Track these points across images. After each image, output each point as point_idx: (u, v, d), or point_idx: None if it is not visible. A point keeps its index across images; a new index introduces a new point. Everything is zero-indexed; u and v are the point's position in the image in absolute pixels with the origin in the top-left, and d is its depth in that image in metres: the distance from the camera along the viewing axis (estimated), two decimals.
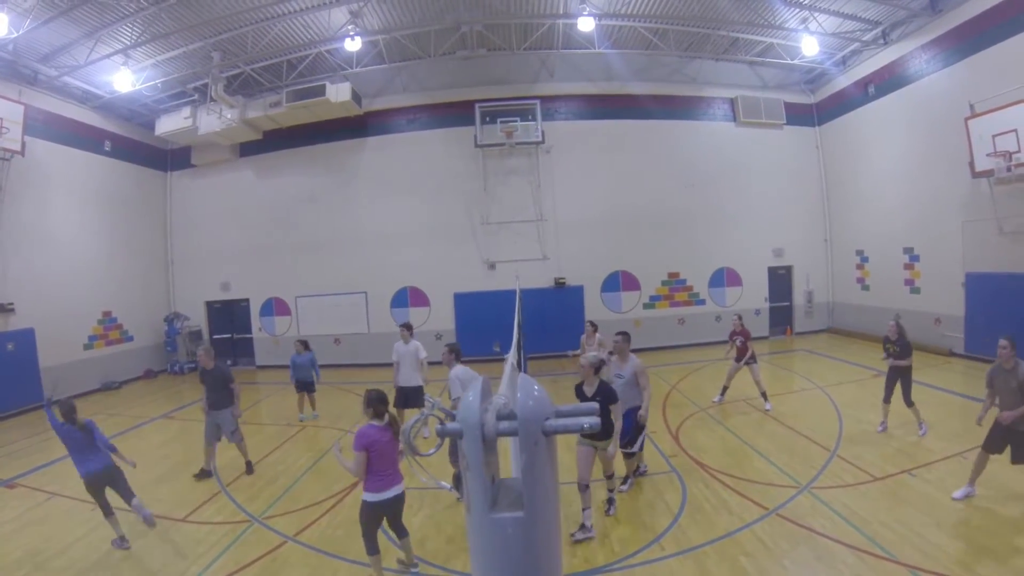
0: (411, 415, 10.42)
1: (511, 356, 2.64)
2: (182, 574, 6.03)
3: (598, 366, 6.54)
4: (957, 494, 6.57)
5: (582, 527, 6.34)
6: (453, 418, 0.98)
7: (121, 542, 6.53)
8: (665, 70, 18.47)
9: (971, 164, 13.03)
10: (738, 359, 11.01)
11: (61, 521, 7.50)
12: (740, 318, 11.36)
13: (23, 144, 13.90)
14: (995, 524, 5.99)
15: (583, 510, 6.42)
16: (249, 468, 9.19)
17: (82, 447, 6.50)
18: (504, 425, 0.94)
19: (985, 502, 6.45)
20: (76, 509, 7.84)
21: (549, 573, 0.96)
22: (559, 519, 0.98)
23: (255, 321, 19.77)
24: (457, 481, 1.32)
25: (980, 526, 5.97)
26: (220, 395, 9.19)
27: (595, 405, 1.06)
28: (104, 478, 6.47)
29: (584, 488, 6.42)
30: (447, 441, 1.04)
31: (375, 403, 5.38)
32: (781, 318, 19.52)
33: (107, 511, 6.49)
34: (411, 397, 10.05)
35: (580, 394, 6.56)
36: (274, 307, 19.61)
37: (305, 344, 12.50)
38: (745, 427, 10.07)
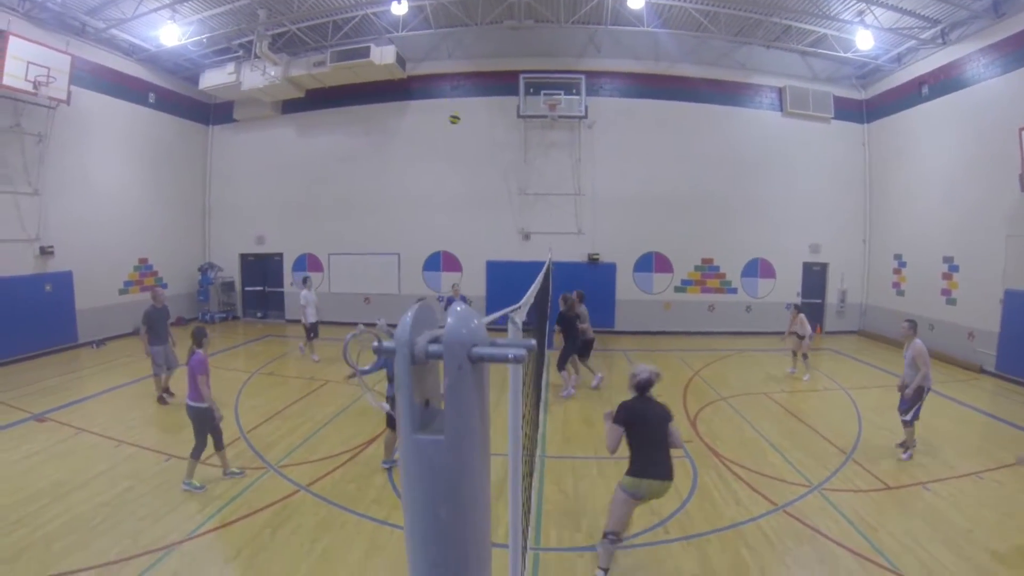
0: None
1: (518, 316, 2.64)
2: (197, 513, 6.25)
3: (645, 385, 5.18)
4: None
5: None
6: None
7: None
8: (714, 53, 18.07)
9: (1021, 177, 12.54)
10: None
11: (85, 456, 7.79)
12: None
13: (69, 93, 14.13)
14: (1005, 549, 5.87)
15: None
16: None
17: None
18: (433, 348, 0.97)
19: (998, 528, 6.32)
20: (101, 445, 8.19)
21: (471, 498, 0.98)
22: (486, 448, 1.00)
23: (287, 276, 20.10)
24: (391, 402, 1.38)
25: (989, 549, 5.85)
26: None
27: (532, 341, 1.07)
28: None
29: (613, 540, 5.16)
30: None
31: None
32: (812, 315, 18.95)
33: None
34: None
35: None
36: (307, 263, 19.90)
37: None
38: (763, 420, 10.00)
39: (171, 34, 15.45)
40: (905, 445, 8.34)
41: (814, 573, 5.50)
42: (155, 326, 10.65)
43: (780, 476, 7.63)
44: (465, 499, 0.97)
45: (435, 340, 0.97)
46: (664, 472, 5.04)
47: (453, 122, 15.78)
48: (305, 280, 14.84)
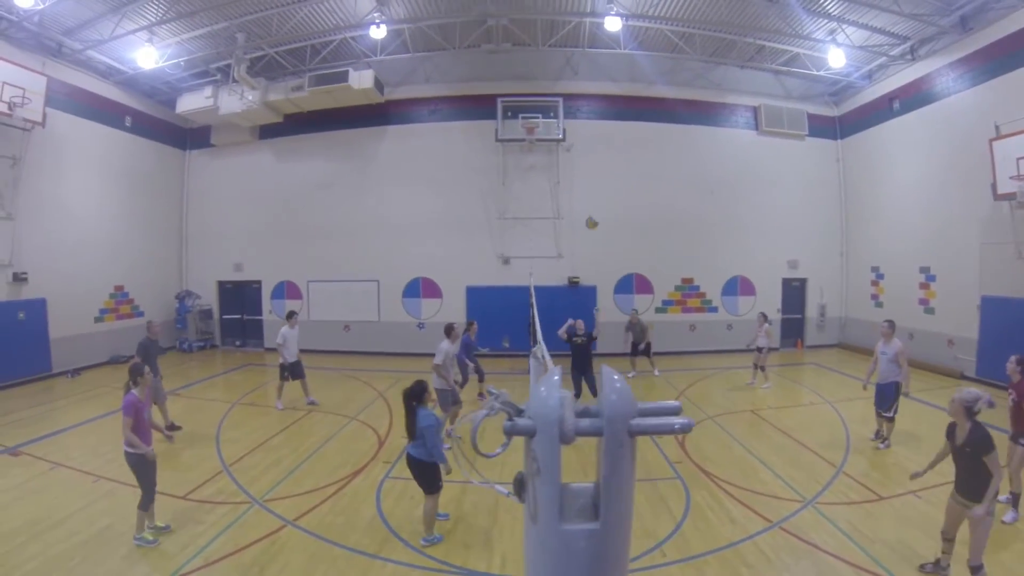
0: None
1: (540, 350, 2.51)
2: (180, 551, 6.03)
3: (973, 406, 5.09)
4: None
5: (936, 563, 5.54)
6: (521, 413, 0.90)
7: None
8: (689, 74, 18.33)
9: (993, 186, 12.85)
10: (1016, 434, 6.82)
11: (62, 492, 7.52)
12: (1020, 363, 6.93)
13: (44, 115, 13.94)
14: (1000, 552, 5.90)
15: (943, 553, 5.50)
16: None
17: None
18: (585, 423, 0.86)
19: (993, 532, 6.36)
20: (77, 480, 7.91)
21: None
22: (631, 530, 0.90)
23: (266, 303, 19.83)
24: (520, 485, 1.18)
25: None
26: None
27: (678, 404, 0.95)
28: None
29: (947, 540, 5.50)
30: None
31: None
32: (792, 330, 19.37)
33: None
34: None
35: (950, 436, 5.34)
36: (286, 290, 19.65)
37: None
38: (752, 438, 9.98)
39: (148, 57, 15.28)
40: (882, 436, 9.35)
41: None
42: (150, 358, 10.26)
43: (772, 493, 7.59)
44: None
45: (584, 414, 0.87)
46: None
47: (591, 226, 15.57)
48: (290, 315, 12.63)
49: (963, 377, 14.05)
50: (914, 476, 5.85)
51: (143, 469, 6.23)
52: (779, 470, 8.37)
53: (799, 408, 12.15)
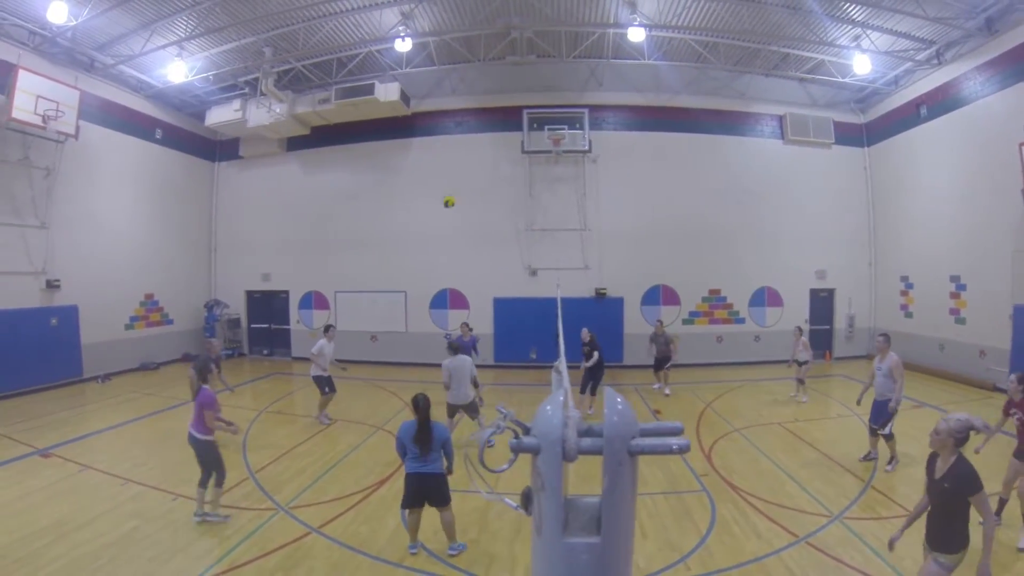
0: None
1: (561, 364, 2.49)
2: (205, 555, 6.09)
3: (963, 437, 4.22)
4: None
5: None
6: (527, 431, 0.92)
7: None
8: (714, 84, 18.23)
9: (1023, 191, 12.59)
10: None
11: (90, 494, 7.66)
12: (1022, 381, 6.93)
13: (77, 128, 14.35)
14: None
15: None
16: None
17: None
18: (587, 443, 0.88)
19: None
20: (105, 483, 8.06)
21: None
22: (632, 544, 0.91)
23: (293, 313, 20.06)
24: (527, 499, 1.20)
25: (1016, 571, 5.72)
26: None
27: (680, 425, 0.97)
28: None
29: None
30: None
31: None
32: (821, 342, 19.01)
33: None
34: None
35: (930, 467, 4.48)
36: (313, 300, 19.86)
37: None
38: (779, 451, 9.81)
39: (178, 71, 15.63)
40: (871, 457, 9.05)
41: None
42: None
43: (799, 507, 7.44)
44: None
45: (586, 433, 0.89)
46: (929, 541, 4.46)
47: (449, 203, 15.47)
48: (327, 329, 12.44)
49: (996, 389, 13.71)
50: (891, 542, 4.83)
51: (214, 453, 6.96)
52: (806, 484, 8.23)
53: (827, 421, 11.96)
